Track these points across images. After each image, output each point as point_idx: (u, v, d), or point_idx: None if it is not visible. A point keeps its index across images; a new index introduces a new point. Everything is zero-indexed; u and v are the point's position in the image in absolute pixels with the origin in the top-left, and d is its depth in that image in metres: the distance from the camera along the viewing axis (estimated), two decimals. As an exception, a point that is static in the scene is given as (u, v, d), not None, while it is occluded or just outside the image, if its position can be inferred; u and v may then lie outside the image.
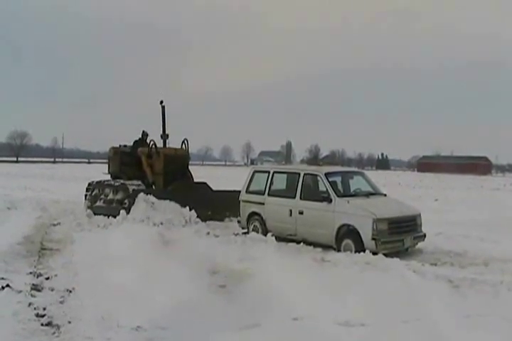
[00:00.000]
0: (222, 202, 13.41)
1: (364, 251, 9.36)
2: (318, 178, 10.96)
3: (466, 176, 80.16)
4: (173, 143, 16.14)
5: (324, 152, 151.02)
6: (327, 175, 10.90)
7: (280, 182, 11.98)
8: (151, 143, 15.22)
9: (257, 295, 6.64)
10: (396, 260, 8.67)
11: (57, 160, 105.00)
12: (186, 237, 10.95)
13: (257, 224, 11.96)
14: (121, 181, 14.85)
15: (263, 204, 11.85)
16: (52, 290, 7.13)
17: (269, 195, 11.83)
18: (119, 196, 14.25)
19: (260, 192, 12.03)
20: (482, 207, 19.90)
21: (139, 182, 14.66)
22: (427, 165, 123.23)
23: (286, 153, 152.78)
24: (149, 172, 15.14)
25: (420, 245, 10.63)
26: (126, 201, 13.62)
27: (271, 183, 11.91)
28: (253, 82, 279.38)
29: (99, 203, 14.90)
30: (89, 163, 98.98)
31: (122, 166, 15.83)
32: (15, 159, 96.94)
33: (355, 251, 9.58)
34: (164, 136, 15.75)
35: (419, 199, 22.56)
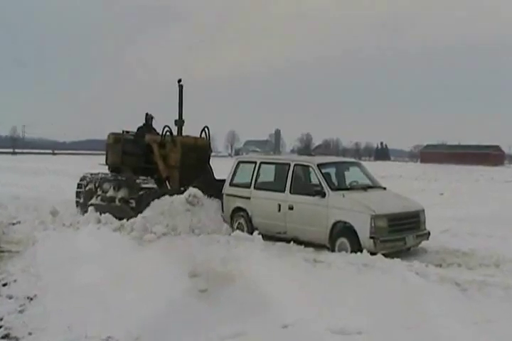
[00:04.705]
0: None
1: (361, 250, 9.37)
2: (310, 170, 10.95)
3: (476, 167, 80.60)
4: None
5: (317, 141, 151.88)
6: (320, 166, 10.90)
7: (268, 174, 11.97)
8: (166, 129, 14.07)
9: (243, 301, 6.63)
10: (397, 260, 8.69)
11: (16, 151, 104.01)
12: (164, 236, 10.94)
13: (241, 221, 11.94)
14: (125, 175, 14.16)
15: (249, 198, 11.84)
16: (10, 298, 7.08)
17: (255, 188, 11.82)
18: (122, 193, 13.45)
19: (246, 185, 12.01)
20: (493, 202, 20.01)
21: (146, 178, 13.58)
22: (431, 155, 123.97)
23: (274, 143, 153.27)
24: (162, 164, 13.93)
25: (424, 244, 10.68)
26: (132, 201, 12.89)
27: (257, 175, 11.90)
28: (240, 68, 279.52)
29: (95, 200, 14.18)
30: (54, 154, 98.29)
31: (124, 157, 14.89)
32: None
33: (351, 251, 9.60)
34: (180, 122, 14.32)
35: (423, 193, 22.65)
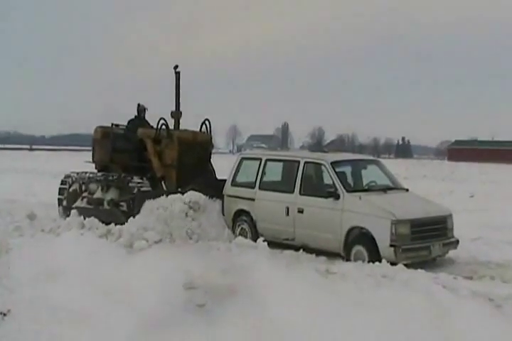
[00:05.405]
0: None
1: (380, 260, 9.36)
2: (323, 168, 10.94)
3: None
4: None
5: (330, 137, 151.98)
6: (334, 164, 10.89)
7: (275, 173, 11.99)
8: (161, 122, 13.82)
9: (245, 317, 6.61)
10: (421, 272, 8.68)
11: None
12: (157, 243, 10.91)
13: (245, 226, 11.94)
14: (116, 174, 13.98)
15: (253, 200, 11.84)
16: (-21, 313, 7.05)
17: (260, 188, 11.83)
18: (111, 195, 13.45)
19: (249, 185, 12.03)
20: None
21: (141, 180, 13.43)
22: (460, 152, 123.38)
23: (282, 138, 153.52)
24: (157, 162, 13.76)
25: (451, 254, 10.66)
26: (123, 203, 12.94)
27: (263, 174, 11.91)
28: (241, 51, 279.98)
29: (80, 203, 14.12)
30: (31, 149, 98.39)
31: (114, 153, 14.74)
32: None
33: (369, 261, 9.59)
34: (177, 114, 14.14)
35: (451, 195, 22.65)
